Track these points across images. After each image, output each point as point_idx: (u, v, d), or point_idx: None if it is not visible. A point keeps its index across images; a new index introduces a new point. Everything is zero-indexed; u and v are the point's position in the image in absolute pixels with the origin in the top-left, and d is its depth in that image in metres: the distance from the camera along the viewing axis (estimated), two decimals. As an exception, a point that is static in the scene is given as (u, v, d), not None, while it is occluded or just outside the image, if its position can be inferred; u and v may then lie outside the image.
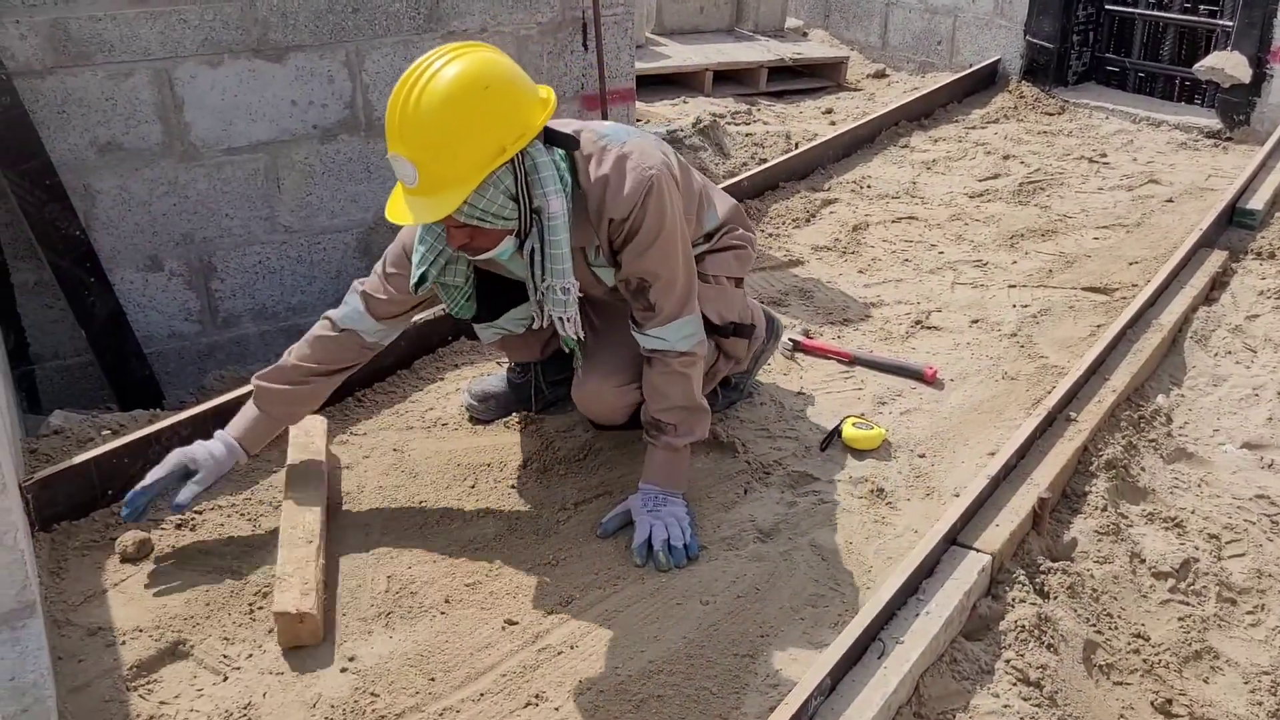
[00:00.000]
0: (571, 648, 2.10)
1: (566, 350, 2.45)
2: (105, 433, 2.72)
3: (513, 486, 2.60)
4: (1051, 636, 2.14)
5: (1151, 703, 2.09)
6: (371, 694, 2.00)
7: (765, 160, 4.81)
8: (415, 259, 2.31)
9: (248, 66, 3.26)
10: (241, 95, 3.28)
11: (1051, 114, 5.66)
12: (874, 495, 2.56)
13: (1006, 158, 4.97)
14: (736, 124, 5.46)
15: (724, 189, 4.04)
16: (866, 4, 6.89)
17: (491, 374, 2.98)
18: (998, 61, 6.07)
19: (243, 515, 2.49)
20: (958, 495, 2.47)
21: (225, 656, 2.08)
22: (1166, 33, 5.73)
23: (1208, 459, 2.80)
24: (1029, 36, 5.90)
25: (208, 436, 2.43)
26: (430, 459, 2.69)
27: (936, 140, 5.27)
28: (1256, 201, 4.15)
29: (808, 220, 4.25)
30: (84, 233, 3.10)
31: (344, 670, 2.05)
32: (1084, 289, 3.65)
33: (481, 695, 2.00)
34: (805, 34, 7.06)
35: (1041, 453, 2.62)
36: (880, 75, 6.60)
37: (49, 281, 3.10)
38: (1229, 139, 5.22)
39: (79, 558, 2.33)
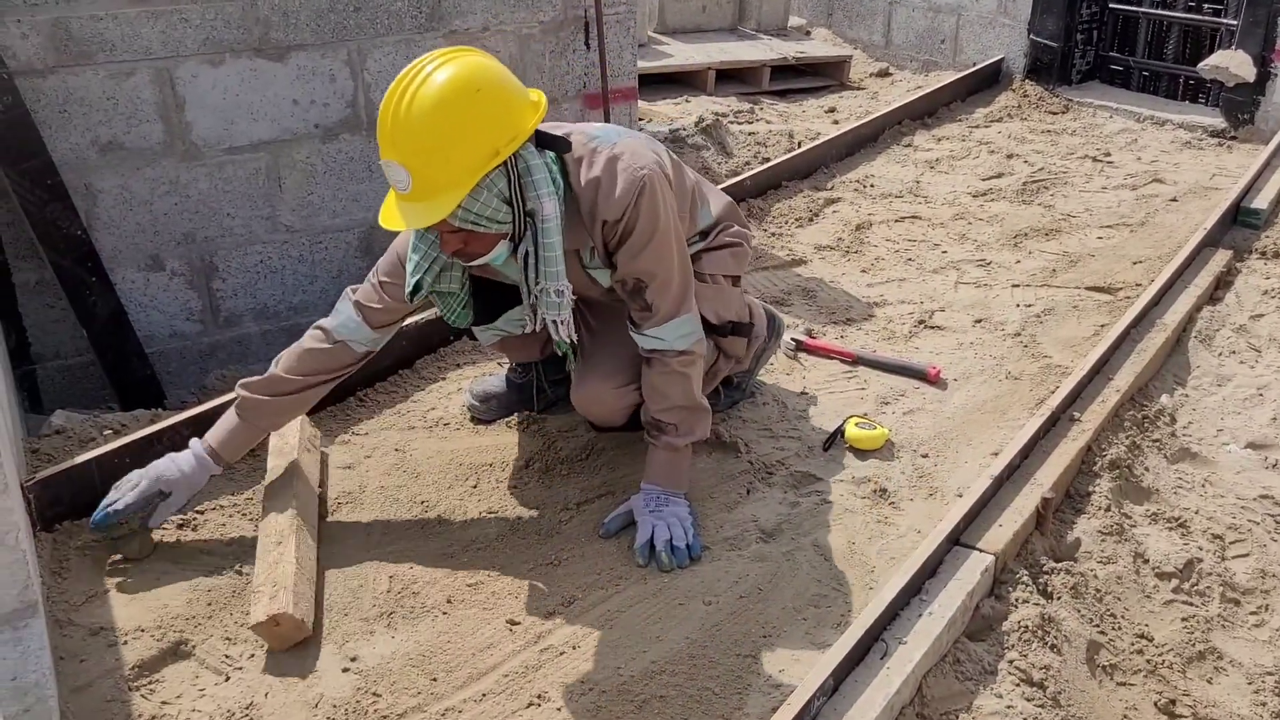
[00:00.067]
0: (574, 648, 2.10)
1: (559, 353, 2.45)
2: (107, 432, 2.72)
3: (515, 486, 2.59)
4: (1055, 637, 2.13)
5: (1155, 703, 2.08)
6: (373, 694, 1.99)
7: (768, 159, 4.80)
8: (409, 267, 2.30)
9: (249, 66, 3.26)
10: (243, 94, 3.28)
11: (1055, 113, 5.65)
12: (877, 495, 2.55)
13: (1010, 157, 4.96)
14: (739, 123, 5.45)
15: (726, 188, 4.05)
16: (870, 2, 6.88)
17: (493, 374, 2.98)
18: (1001, 60, 6.05)
19: (244, 515, 2.48)
20: (961, 495, 2.46)
21: (227, 656, 2.08)
22: (1171, 31, 5.72)
23: (1212, 459, 2.80)
24: (1033, 35, 5.88)
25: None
26: (432, 459, 2.69)
27: (940, 139, 5.26)
28: (1261, 201, 4.13)
29: (810, 219, 4.25)
30: (85, 232, 3.10)
31: (346, 670, 2.05)
32: (1088, 288, 3.64)
33: (484, 695, 1.99)
34: (808, 33, 7.05)
35: (1045, 453, 2.61)
36: (883, 74, 6.59)
37: (50, 281, 3.10)
38: (1233, 138, 5.20)
39: (81, 558, 2.33)
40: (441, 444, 2.76)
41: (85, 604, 2.19)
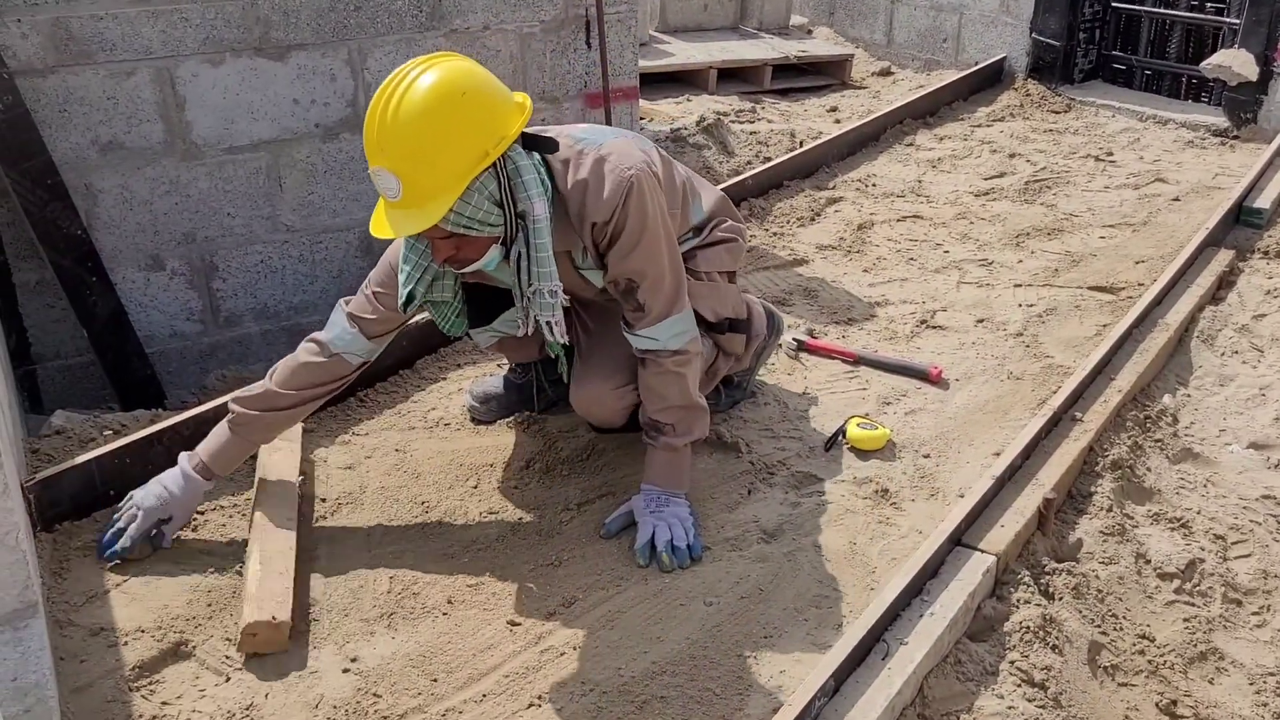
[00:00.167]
0: (574, 648, 2.10)
1: (552, 355, 2.44)
2: (107, 433, 2.72)
3: (515, 487, 2.59)
4: (1056, 637, 2.13)
5: (1156, 704, 2.08)
6: (374, 695, 1.99)
7: (770, 159, 4.80)
8: (401, 278, 2.28)
9: (249, 65, 3.26)
10: (243, 94, 3.27)
11: (1057, 112, 5.64)
12: (878, 496, 2.55)
13: (1012, 156, 4.95)
14: (741, 122, 5.45)
15: (727, 187, 4.04)
16: (871, 1, 6.88)
17: (493, 374, 2.97)
18: (1003, 59, 6.05)
19: (244, 515, 2.48)
20: (962, 496, 2.46)
21: (227, 657, 2.07)
22: (1173, 30, 5.71)
23: (1214, 459, 2.79)
24: (1035, 34, 5.88)
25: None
26: (433, 459, 2.69)
27: (942, 138, 5.25)
28: (1264, 200, 4.13)
29: (812, 219, 4.24)
30: (85, 232, 3.10)
31: (346, 671, 2.05)
32: (1090, 288, 3.64)
33: (484, 696, 1.99)
34: (810, 31, 7.05)
35: (1047, 453, 2.61)
36: (885, 73, 6.58)
37: (51, 281, 3.10)
38: (1236, 137, 5.20)
39: (81, 558, 2.32)
40: (442, 444, 2.76)
41: (85, 604, 2.19)
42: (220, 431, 2.38)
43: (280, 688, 2.01)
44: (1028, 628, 2.13)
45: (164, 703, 1.97)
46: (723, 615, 2.18)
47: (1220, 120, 5.30)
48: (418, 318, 3.02)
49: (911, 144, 5.17)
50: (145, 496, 2.32)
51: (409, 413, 2.91)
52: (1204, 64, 5.27)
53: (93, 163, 3.13)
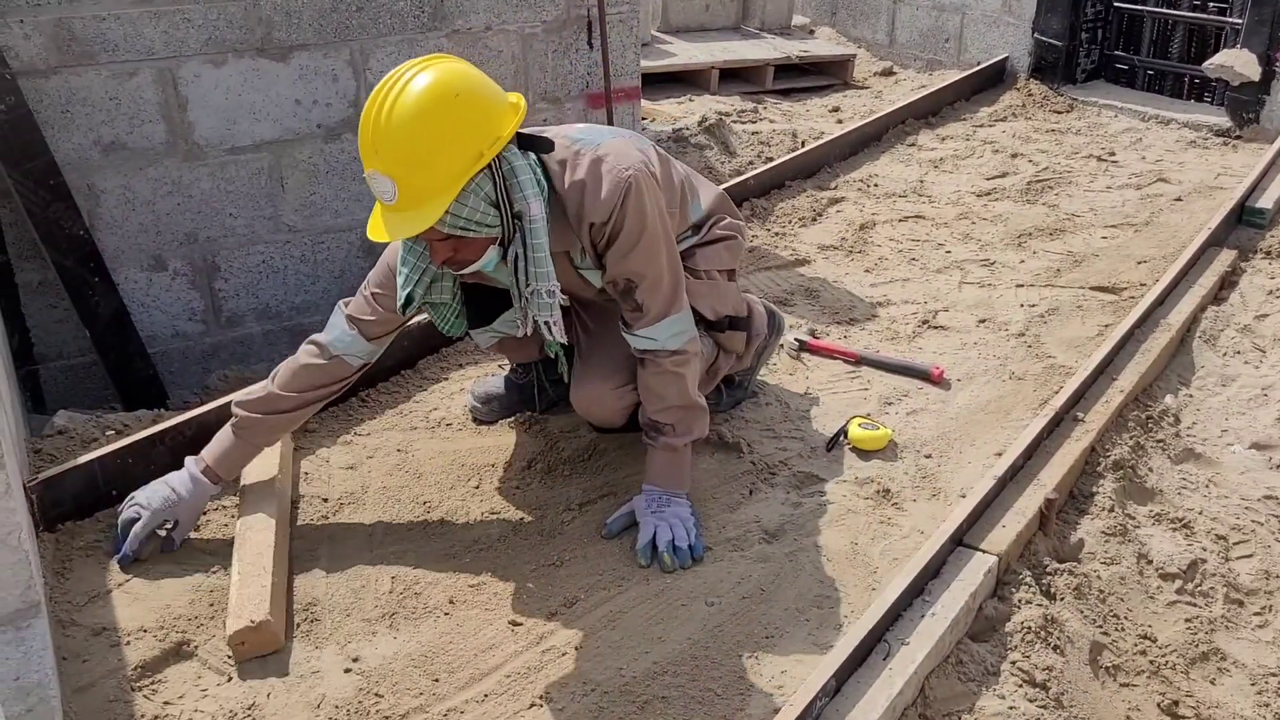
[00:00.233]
0: (576, 649, 2.10)
1: (551, 355, 2.44)
2: (109, 433, 2.72)
3: (517, 487, 2.59)
4: (1058, 638, 2.12)
5: (1158, 704, 2.07)
6: (375, 694, 1.99)
7: (771, 159, 4.79)
8: (400, 280, 2.28)
9: (252, 66, 3.26)
10: (245, 94, 3.28)
11: (1060, 112, 5.63)
12: (880, 496, 2.55)
13: (1014, 156, 4.95)
14: (743, 122, 5.45)
15: (729, 188, 4.04)
16: (874, 1, 6.88)
17: (494, 375, 2.97)
18: (1006, 59, 6.04)
19: (246, 515, 2.49)
20: (964, 496, 2.46)
21: (229, 657, 2.07)
22: (1176, 30, 5.71)
23: (1216, 459, 2.79)
24: (1037, 34, 5.87)
25: (209, 438, 2.41)
26: (434, 459, 2.69)
27: (944, 139, 5.25)
28: (1266, 200, 4.12)
29: (814, 219, 4.24)
30: (88, 232, 3.11)
31: (348, 671, 2.05)
32: (1092, 288, 3.63)
33: (485, 696, 1.99)
34: (812, 31, 7.04)
35: (1048, 453, 2.61)
36: (887, 73, 6.58)
37: (53, 281, 3.11)
38: (1238, 137, 5.19)
39: (83, 558, 2.33)
40: (444, 444, 2.76)
41: (88, 604, 2.19)
42: (224, 436, 2.38)
43: (282, 687, 2.01)
44: (1029, 628, 2.13)
45: (166, 702, 1.98)
46: (724, 615, 2.18)
47: (1223, 120, 5.29)
48: (420, 318, 3.03)
49: (913, 144, 5.17)
50: (151, 497, 2.32)
51: (411, 413, 2.91)
52: (1206, 64, 5.27)
53: (95, 163, 3.13)
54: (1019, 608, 2.19)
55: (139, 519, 2.29)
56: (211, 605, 2.20)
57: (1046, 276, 3.73)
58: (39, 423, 2.92)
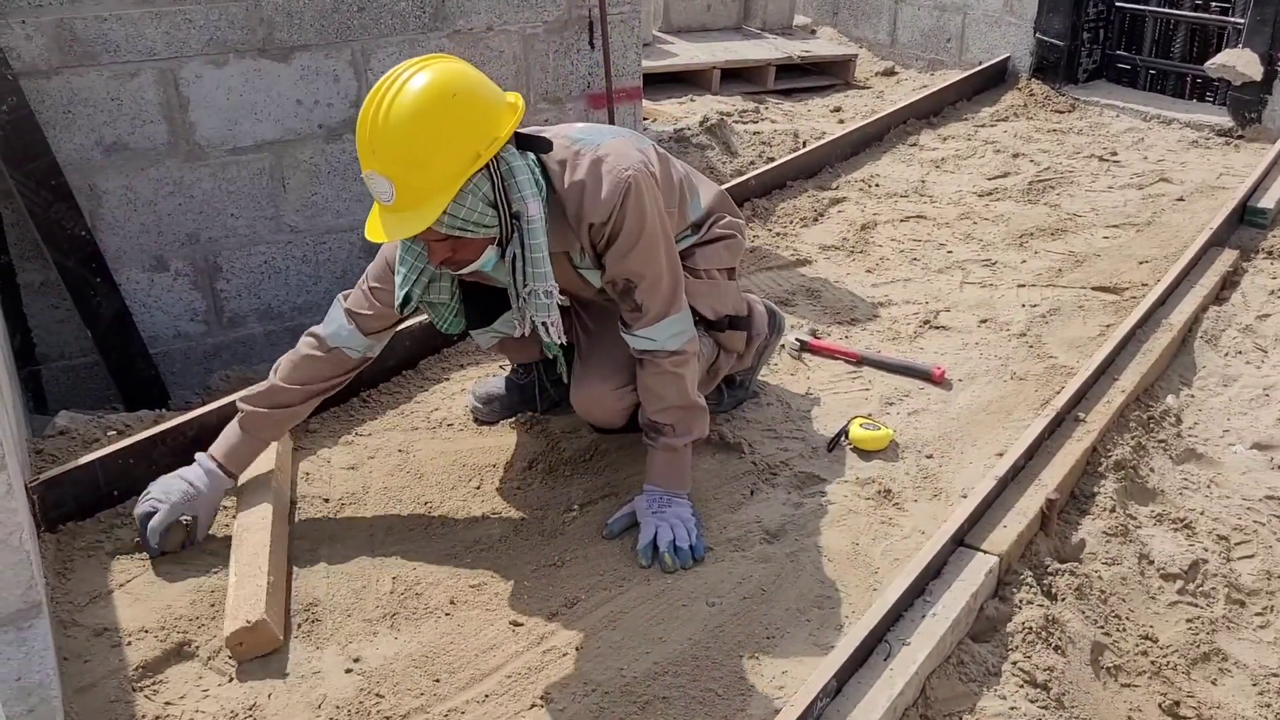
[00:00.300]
0: (576, 649, 2.10)
1: (550, 356, 2.44)
2: (111, 433, 2.73)
3: (518, 487, 2.59)
4: (1059, 638, 2.12)
5: (1159, 705, 2.07)
6: (376, 695, 1.99)
7: (773, 159, 4.79)
8: (398, 279, 2.29)
9: (253, 66, 3.27)
10: (247, 95, 3.28)
11: (1061, 112, 5.63)
12: (881, 496, 2.55)
13: (1016, 156, 4.95)
14: (744, 122, 5.45)
15: (731, 188, 4.04)
16: (875, 1, 6.87)
17: (495, 375, 2.97)
18: (1007, 59, 6.04)
19: (248, 516, 2.49)
20: (965, 496, 2.45)
21: (230, 657, 2.08)
22: (1178, 30, 5.70)
23: (1217, 460, 2.79)
24: (1039, 34, 5.87)
25: (211, 438, 2.42)
26: (435, 459, 2.69)
27: (945, 138, 5.25)
28: (1268, 200, 4.12)
29: (815, 219, 4.24)
30: (90, 233, 3.11)
31: (349, 671, 2.05)
32: (1093, 288, 3.63)
33: (486, 697, 1.99)
34: (813, 31, 7.04)
35: (1050, 453, 2.61)
36: (889, 73, 6.57)
37: (55, 281, 3.11)
38: (1240, 137, 5.19)
39: (85, 558, 2.33)
40: (445, 445, 2.76)
41: (89, 604, 2.20)
42: (231, 431, 2.40)
43: (283, 688, 2.01)
44: (1030, 628, 2.13)
45: (167, 703, 1.98)
46: (725, 616, 2.18)
47: (1225, 120, 5.29)
48: (420, 318, 3.03)
49: (915, 144, 5.17)
50: (169, 491, 2.32)
51: (412, 413, 2.91)
52: (1208, 64, 5.27)
53: (97, 164, 3.14)
54: (1020, 608, 2.19)
55: (156, 512, 2.29)
56: (212, 606, 2.20)
57: (1048, 276, 3.73)
58: (41, 423, 2.92)
